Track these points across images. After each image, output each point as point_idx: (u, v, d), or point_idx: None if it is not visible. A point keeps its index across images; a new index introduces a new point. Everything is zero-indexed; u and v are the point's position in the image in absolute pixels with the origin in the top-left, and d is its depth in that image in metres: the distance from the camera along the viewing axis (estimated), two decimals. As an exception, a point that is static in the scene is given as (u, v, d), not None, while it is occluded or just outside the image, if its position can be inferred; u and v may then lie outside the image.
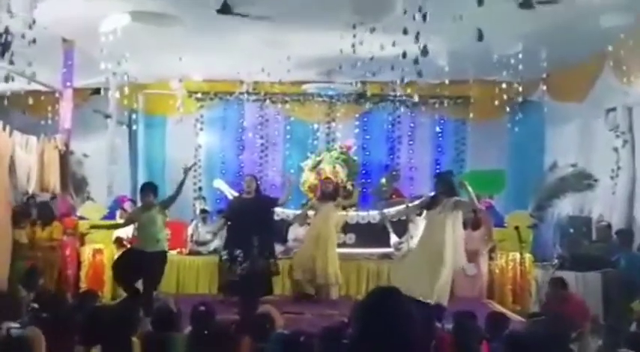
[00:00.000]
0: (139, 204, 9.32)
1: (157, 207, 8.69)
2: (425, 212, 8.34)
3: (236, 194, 10.75)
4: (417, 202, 8.79)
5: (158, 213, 8.68)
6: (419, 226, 9.29)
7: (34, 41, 7.58)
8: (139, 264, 8.46)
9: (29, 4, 7.46)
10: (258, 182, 10.28)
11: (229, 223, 9.85)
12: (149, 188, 8.90)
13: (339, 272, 10.04)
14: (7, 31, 7.45)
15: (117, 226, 10.08)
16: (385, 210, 10.28)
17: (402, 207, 9.46)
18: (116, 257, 9.36)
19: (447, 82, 11.49)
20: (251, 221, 9.38)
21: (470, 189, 8.01)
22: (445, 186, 7.98)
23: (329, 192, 10.38)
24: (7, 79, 8.20)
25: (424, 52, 7.74)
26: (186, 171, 8.91)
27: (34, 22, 7.46)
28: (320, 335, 4.99)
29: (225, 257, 9.54)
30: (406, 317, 2.78)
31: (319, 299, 9.78)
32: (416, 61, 7.82)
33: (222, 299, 9.23)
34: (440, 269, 7.81)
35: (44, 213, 10.12)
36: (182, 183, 8.84)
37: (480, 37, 7.92)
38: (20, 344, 4.56)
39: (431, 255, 7.89)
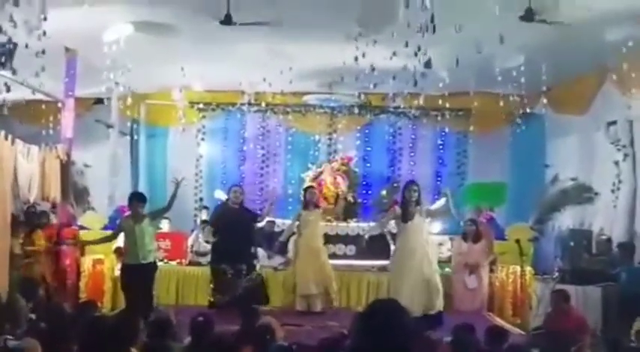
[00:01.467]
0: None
1: (147, 218, 8.58)
2: (401, 223, 8.43)
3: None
4: (389, 215, 8.91)
5: (149, 224, 8.59)
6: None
7: (43, 52, 7.56)
8: (138, 277, 8.46)
9: (38, 15, 7.45)
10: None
11: (214, 230, 9.97)
12: (137, 198, 8.75)
13: (333, 279, 10.00)
14: (9, 40, 7.45)
15: (107, 239, 9.57)
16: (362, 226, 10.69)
17: (375, 223, 9.63)
18: (120, 272, 9.06)
19: (447, 94, 11.48)
20: (239, 231, 9.51)
21: (450, 200, 8.24)
22: (415, 194, 8.32)
23: (314, 201, 10.31)
24: (8, 88, 8.17)
25: (427, 64, 7.80)
26: (177, 184, 8.71)
27: (44, 33, 7.45)
28: (318, 346, 4.98)
29: (230, 271, 9.46)
30: (406, 329, 2.77)
31: (321, 310, 9.74)
32: (422, 75, 7.89)
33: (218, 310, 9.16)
34: (435, 276, 8.12)
35: (30, 222, 10.08)
36: (173, 196, 8.70)
37: (480, 49, 7.96)
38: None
39: (423, 267, 8.06)
